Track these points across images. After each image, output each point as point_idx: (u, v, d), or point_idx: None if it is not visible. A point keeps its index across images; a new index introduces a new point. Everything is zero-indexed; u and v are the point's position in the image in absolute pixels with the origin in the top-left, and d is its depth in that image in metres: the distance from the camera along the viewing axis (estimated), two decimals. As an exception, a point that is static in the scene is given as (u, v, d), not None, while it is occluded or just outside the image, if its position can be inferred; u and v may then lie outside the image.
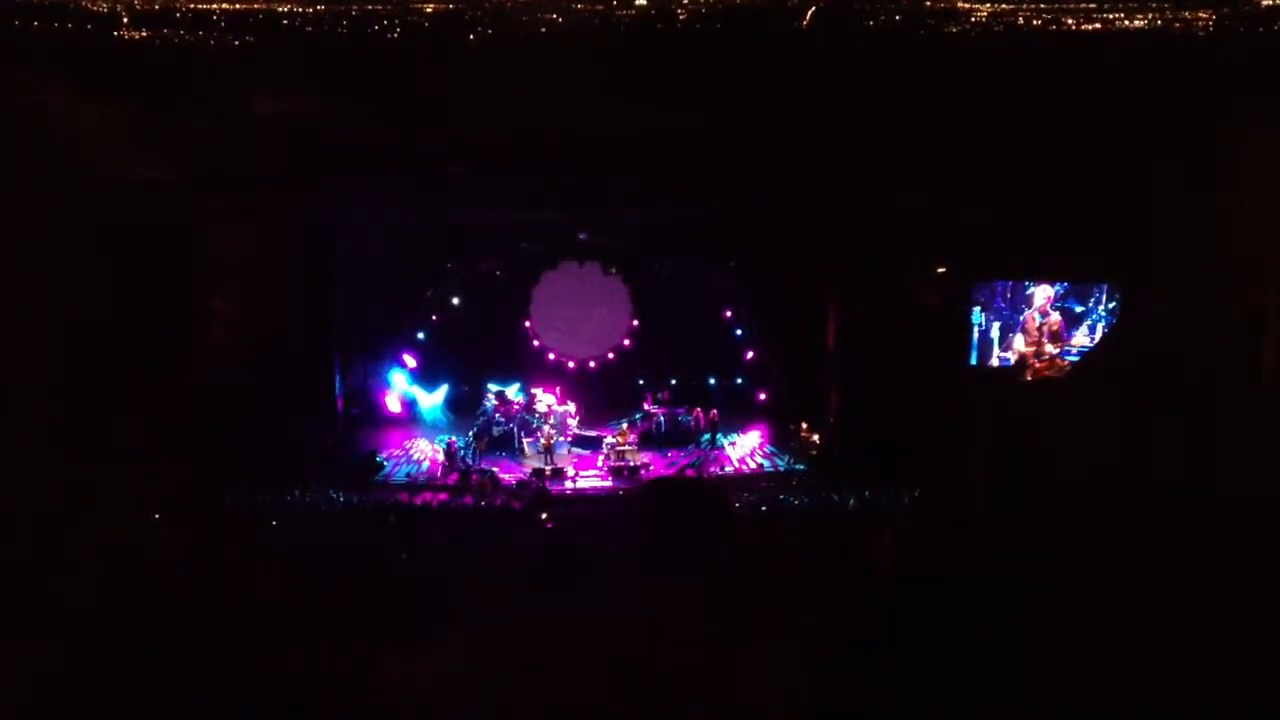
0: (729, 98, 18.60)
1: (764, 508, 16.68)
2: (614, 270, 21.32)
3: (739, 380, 21.73)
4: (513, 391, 21.29)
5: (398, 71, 19.79)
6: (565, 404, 21.15)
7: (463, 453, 20.02)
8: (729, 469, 19.98)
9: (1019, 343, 18.86)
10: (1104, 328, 18.74)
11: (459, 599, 9.85)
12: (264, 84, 18.62)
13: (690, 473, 19.63)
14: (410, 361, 21.34)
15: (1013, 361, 18.91)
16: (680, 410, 21.10)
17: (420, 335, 21.24)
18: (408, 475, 19.63)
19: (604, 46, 20.52)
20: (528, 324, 21.70)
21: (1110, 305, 18.76)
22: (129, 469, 14.23)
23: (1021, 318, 18.89)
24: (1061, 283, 18.89)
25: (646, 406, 21.20)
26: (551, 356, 21.77)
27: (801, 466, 19.60)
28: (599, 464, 19.98)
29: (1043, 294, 18.87)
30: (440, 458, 19.96)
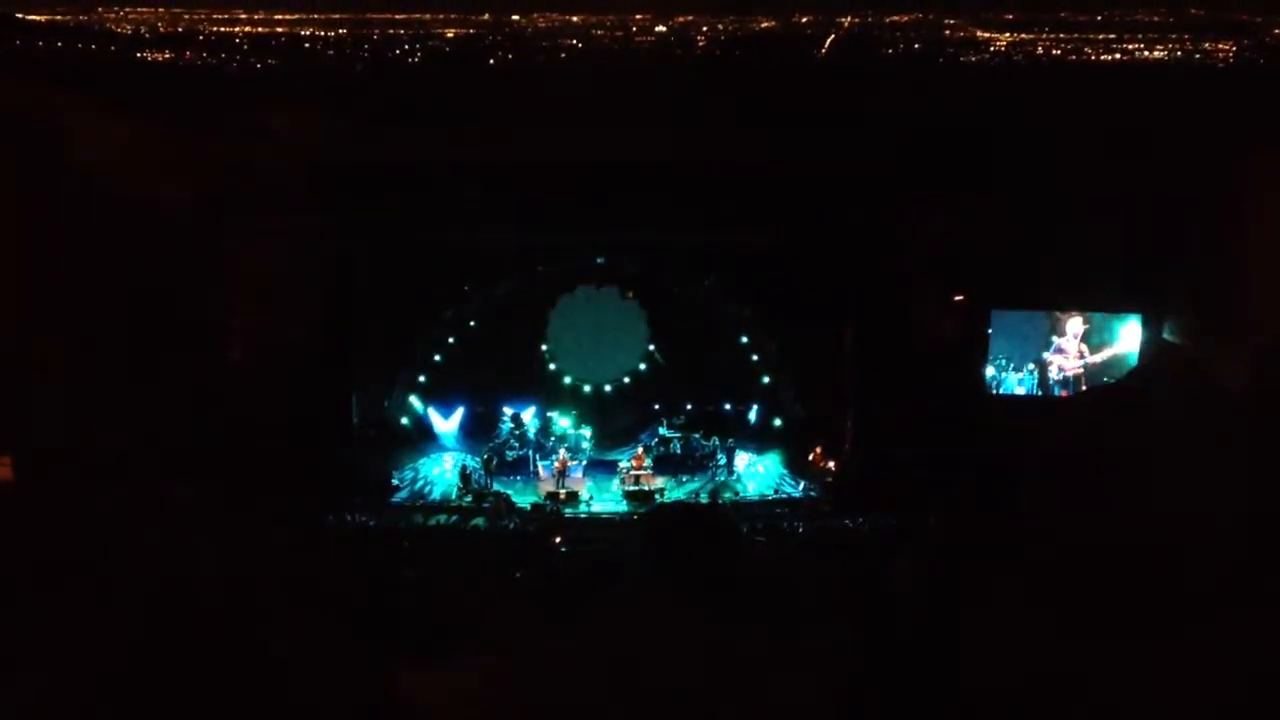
0: (747, 124, 18.65)
1: (778, 533, 16.65)
2: (631, 294, 21.31)
3: (755, 405, 21.67)
4: (529, 414, 21.29)
5: (418, 94, 19.91)
6: (580, 427, 21.14)
7: (478, 475, 20.01)
8: (743, 495, 19.93)
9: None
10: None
11: (472, 622, 9.83)
12: (285, 106, 18.74)
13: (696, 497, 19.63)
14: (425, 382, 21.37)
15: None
16: (696, 435, 21.06)
17: (436, 357, 21.25)
18: (422, 497, 19.62)
19: (623, 72, 20.63)
20: (544, 347, 21.70)
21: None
22: (146, 487, 14.25)
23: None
24: (1082, 312, 18.83)
25: (662, 431, 21.17)
26: (567, 379, 21.76)
27: (816, 493, 19.53)
28: (614, 487, 19.95)
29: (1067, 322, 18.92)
30: (455, 479, 19.96)
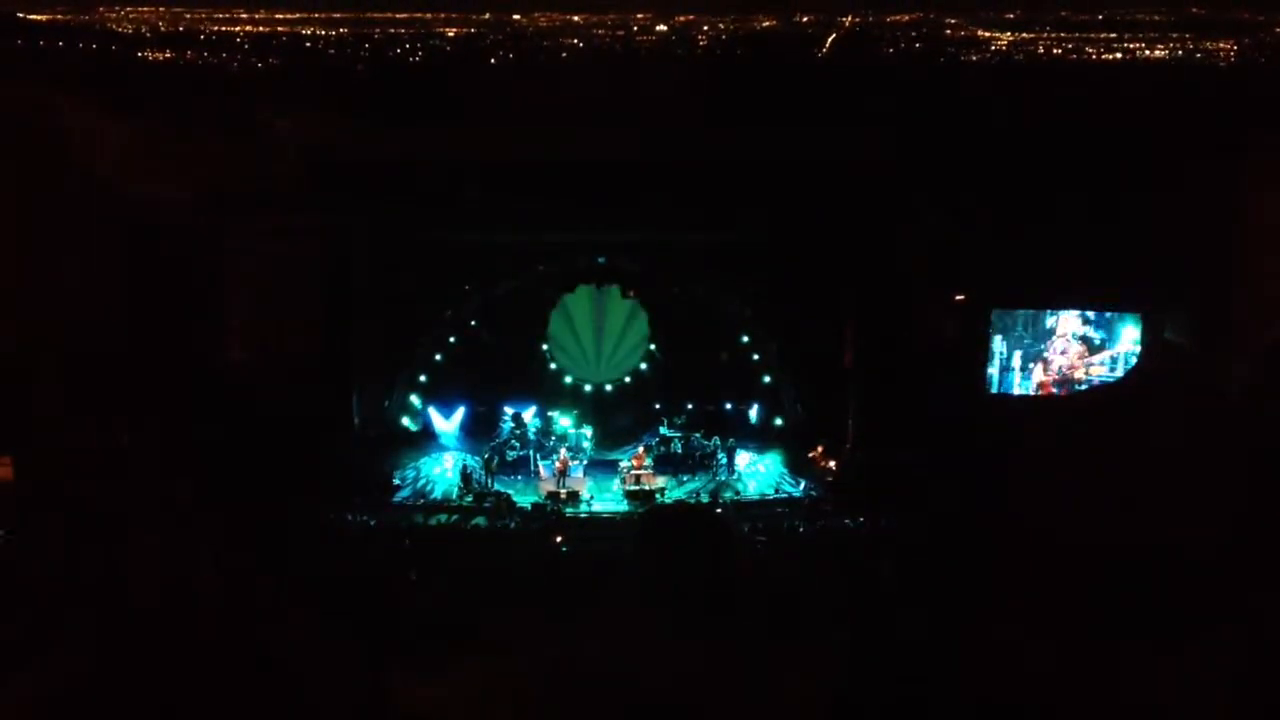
0: (748, 123, 18.65)
1: (778, 533, 16.66)
2: (632, 294, 21.28)
3: (756, 405, 21.65)
4: (529, 414, 21.27)
5: (419, 94, 19.91)
6: (581, 427, 21.13)
7: (478, 474, 20.00)
8: (744, 494, 19.92)
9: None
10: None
11: (472, 620, 9.84)
12: (286, 105, 18.74)
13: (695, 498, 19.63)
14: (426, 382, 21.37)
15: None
16: (696, 434, 21.04)
17: (437, 357, 21.24)
18: (424, 496, 19.60)
19: (624, 72, 20.63)
20: (545, 346, 21.69)
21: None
22: (145, 487, 14.27)
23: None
24: (1081, 311, 18.81)
25: (663, 430, 21.15)
26: (568, 379, 21.74)
27: (817, 493, 19.51)
28: (614, 487, 19.94)
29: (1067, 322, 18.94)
30: (456, 479, 19.95)
